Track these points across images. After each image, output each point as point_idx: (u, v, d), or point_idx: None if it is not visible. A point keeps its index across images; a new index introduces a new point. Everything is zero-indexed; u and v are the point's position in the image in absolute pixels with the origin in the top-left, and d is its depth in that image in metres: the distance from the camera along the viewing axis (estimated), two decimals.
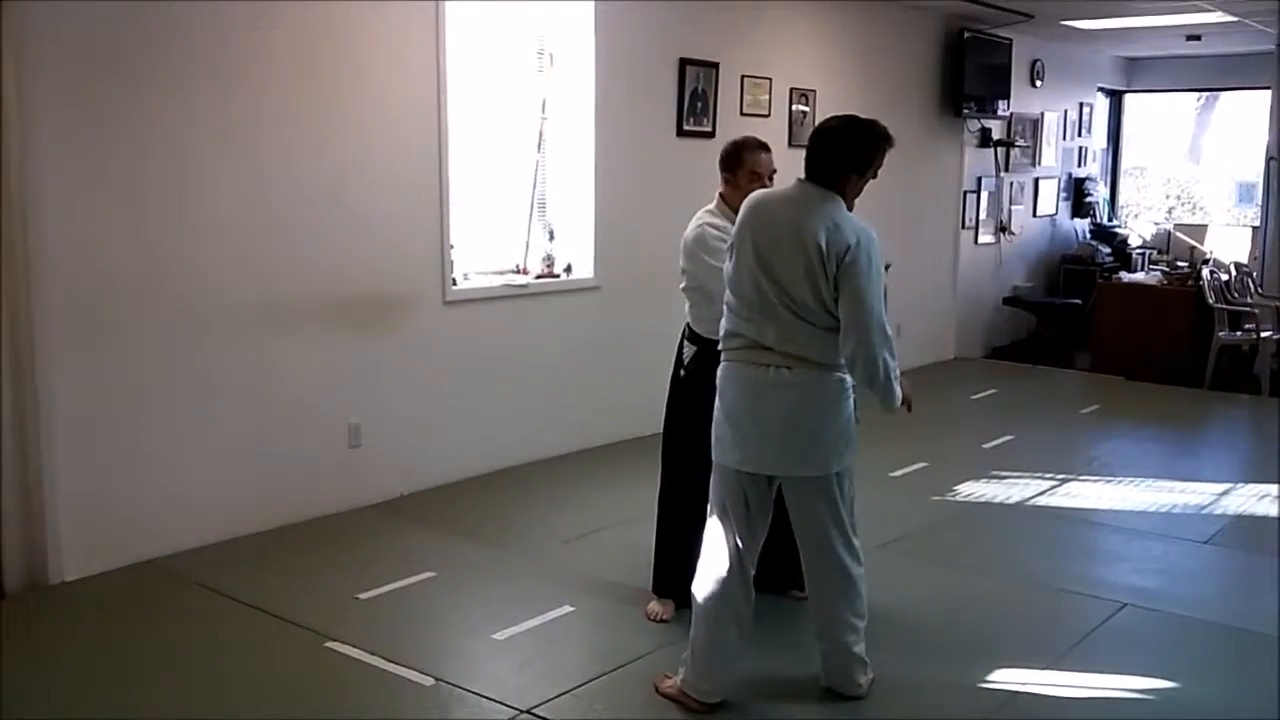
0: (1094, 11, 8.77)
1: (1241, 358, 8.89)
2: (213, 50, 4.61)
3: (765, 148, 3.96)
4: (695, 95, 6.82)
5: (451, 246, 5.65)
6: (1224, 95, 14.98)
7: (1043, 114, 10.56)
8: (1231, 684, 3.71)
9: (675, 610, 4.01)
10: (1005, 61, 9.53)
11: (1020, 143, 10.23)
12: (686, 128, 6.78)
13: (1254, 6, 8.19)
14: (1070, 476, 6.06)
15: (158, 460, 4.61)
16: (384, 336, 5.39)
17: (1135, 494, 5.80)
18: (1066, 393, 8.62)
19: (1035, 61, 10.25)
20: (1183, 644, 4.04)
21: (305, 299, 5.05)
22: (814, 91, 7.78)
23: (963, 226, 9.69)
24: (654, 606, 4.09)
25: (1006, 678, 3.67)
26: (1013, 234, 10.38)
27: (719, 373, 3.39)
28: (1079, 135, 11.43)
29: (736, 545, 3.35)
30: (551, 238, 6.28)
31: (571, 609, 4.17)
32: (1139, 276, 10.13)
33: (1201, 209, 15.74)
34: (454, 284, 5.71)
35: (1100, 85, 11.91)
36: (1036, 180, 10.72)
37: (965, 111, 9.25)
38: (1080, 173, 11.54)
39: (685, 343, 4.04)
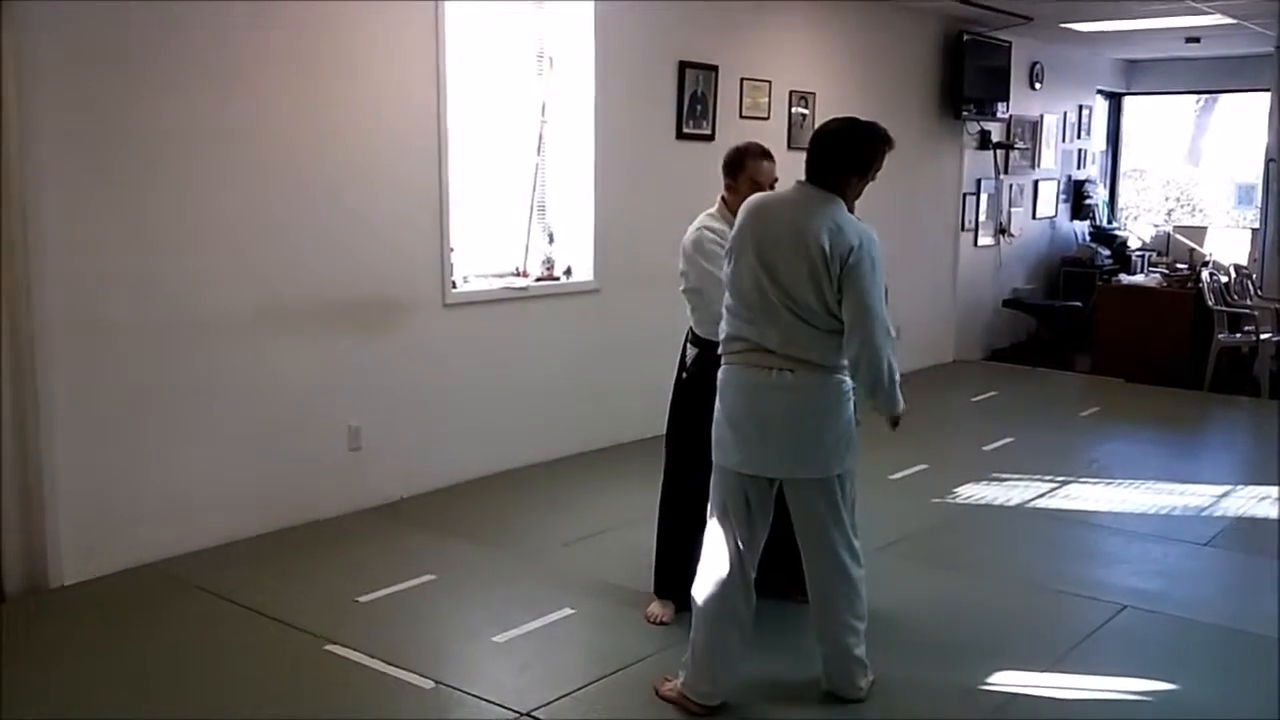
0: (1093, 14, 8.77)
1: (1241, 360, 8.89)
2: (212, 51, 4.61)
3: (768, 156, 3.95)
4: (695, 98, 6.82)
5: (451, 249, 5.65)
6: (1223, 97, 15.00)
7: (1042, 116, 10.57)
8: (1231, 686, 3.71)
9: (675, 613, 4.01)
10: (1004, 64, 9.54)
11: (1019, 145, 10.24)
12: (686, 130, 6.79)
13: (1253, 9, 8.20)
14: (1070, 479, 6.06)
15: (157, 462, 4.60)
16: (384, 339, 5.38)
17: (1135, 496, 5.80)
18: (1066, 395, 8.62)
19: (1034, 64, 10.26)
20: (1182, 646, 4.04)
21: (305, 301, 5.05)
22: (813, 94, 7.78)
23: (962, 229, 9.69)
24: (654, 608, 4.09)
25: (1006, 680, 3.67)
26: (1012, 236, 10.39)
27: (719, 375, 3.39)
28: (1078, 137, 11.44)
29: (737, 547, 3.35)
30: (551, 240, 6.28)
31: (572, 611, 4.17)
32: (1138, 279, 10.14)
33: (1201, 211, 15.76)
34: (454, 287, 5.71)
35: (1099, 88, 11.92)
36: (1036, 182, 10.72)
37: (964, 114, 9.26)
38: (1080, 175, 11.55)
39: (688, 345, 4.05)
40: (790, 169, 3.60)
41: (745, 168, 3.91)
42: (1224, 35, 9.62)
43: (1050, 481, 5.98)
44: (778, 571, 3.81)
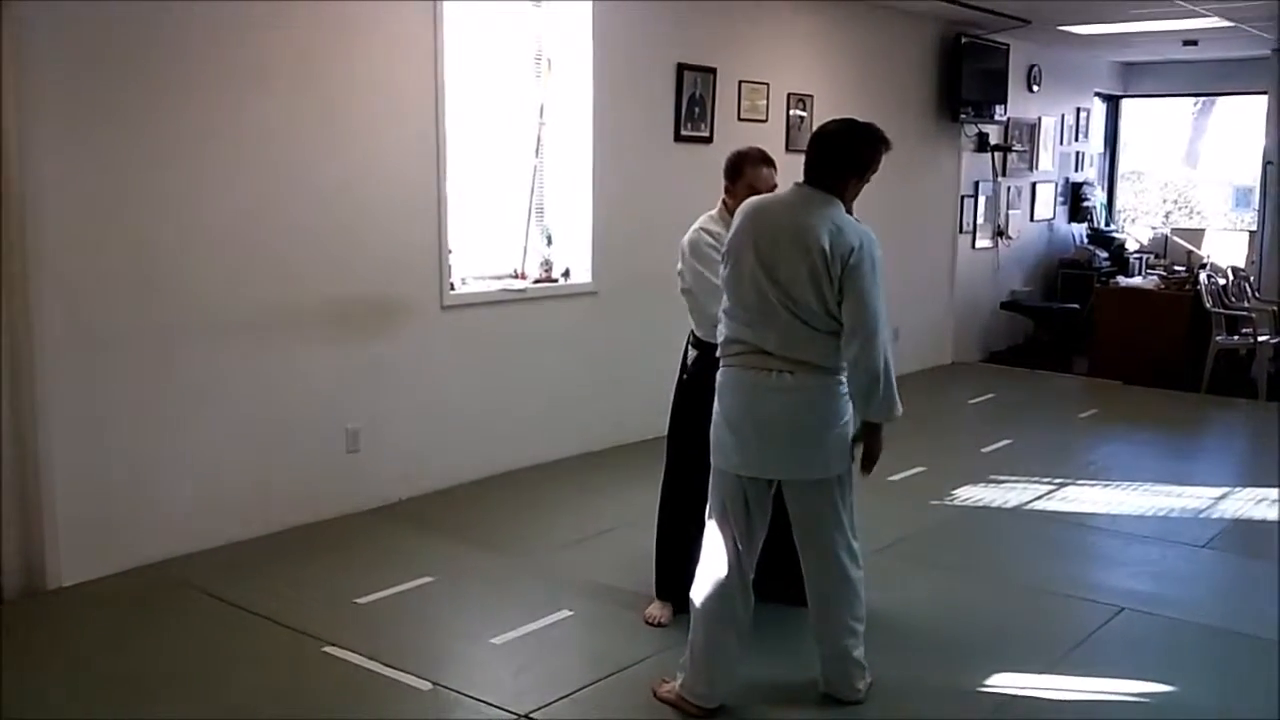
0: (1091, 16, 8.78)
1: (1239, 362, 8.90)
2: (210, 53, 4.61)
3: (768, 161, 3.93)
4: (693, 100, 6.82)
5: (449, 251, 5.65)
6: (1221, 100, 15.00)
7: (1040, 119, 10.58)
8: (1229, 688, 3.71)
9: (674, 614, 4.01)
10: (1002, 66, 9.54)
11: (1017, 147, 10.24)
12: (684, 133, 6.79)
13: (1251, 12, 8.21)
14: (1068, 481, 6.06)
15: (156, 464, 4.60)
16: (382, 341, 5.39)
17: (1133, 498, 5.81)
18: (1064, 397, 8.63)
19: (1032, 66, 10.26)
20: (1180, 648, 4.04)
21: (303, 304, 5.05)
22: (811, 97, 7.79)
23: (960, 231, 9.69)
24: (653, 609, 4.09)
25: (1004, 681, 3.67)
26: (1010, 238, 10.39)
27: (718, 377, 3.39)
28: (1076, 140, 11.44)
29: (736, 549, 3.35)
30: (549, 242, 6.28)
31: (570, 614, 4.17)
32: (1136, 281, 10.14)
33: (1198, 213, 15.76)
34: (452, 289, 5.71)
35: (1097, 90, 11.92)
36: (1034, 185, 10.72)
37: (962, 116, 9.26)
38: (1077, 177, 11.55)
39: (689, 347, 4.05)
40: (789, 171, 3.61)
41: (744, 174, 3.90)
42: (1221, 38, 9.63)
43: (1048, 483, 5.99)
44: (776, 578, 3.80)
